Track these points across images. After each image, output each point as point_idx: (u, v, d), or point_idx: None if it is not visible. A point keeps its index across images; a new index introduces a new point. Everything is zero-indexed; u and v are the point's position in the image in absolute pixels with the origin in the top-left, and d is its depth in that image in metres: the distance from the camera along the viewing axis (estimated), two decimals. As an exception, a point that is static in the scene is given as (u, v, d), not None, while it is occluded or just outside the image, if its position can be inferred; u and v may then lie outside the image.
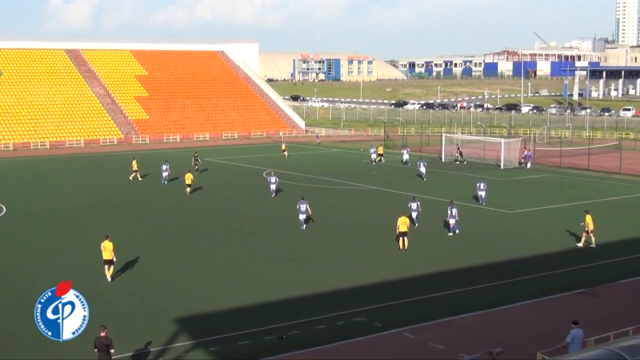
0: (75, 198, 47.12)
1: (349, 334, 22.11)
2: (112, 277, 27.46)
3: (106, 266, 27.50)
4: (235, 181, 54.55)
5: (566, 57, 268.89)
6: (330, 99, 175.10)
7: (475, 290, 26.78)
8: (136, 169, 54.73)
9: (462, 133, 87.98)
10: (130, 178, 54.30)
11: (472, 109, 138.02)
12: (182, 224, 38.38)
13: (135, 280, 27.72)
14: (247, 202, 45.79)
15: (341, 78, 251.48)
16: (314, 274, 28.84)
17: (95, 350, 17.63)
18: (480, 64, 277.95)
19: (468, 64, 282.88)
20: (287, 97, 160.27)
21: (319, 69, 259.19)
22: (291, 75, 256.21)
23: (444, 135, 71.88)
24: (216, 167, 62.56)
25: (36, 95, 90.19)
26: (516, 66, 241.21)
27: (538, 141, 76.98)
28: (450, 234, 35.48)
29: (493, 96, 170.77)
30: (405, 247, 32.11)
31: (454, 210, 35.37)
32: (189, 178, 47.96)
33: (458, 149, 67.86)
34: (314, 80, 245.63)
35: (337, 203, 45.02)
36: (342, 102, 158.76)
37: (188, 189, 47.68)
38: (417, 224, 37.00)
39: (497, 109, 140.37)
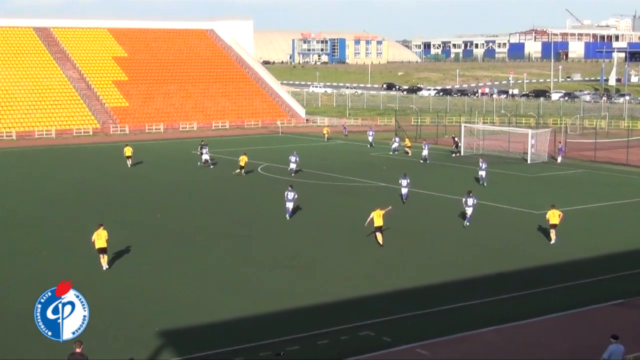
0: (46, 196, 47.21)
1: (354, 350, 22.16)
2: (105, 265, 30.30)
3: (101, 255, 30.22)
4: (227, 177, 54.62)
5: (602, 37, 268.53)
6: (335, 84, 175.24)
7: (497, 301, 26.84)
8: (129, 154, 58.76)
9: (483, 123, 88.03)
10: (129, 165, 58.51)
11: (495, 96, 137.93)
12: (167, 225, 38.46)
13: (114, 290, 27.79)
14: (242, 200, 45.88)
15: (347, 60, 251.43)
16: (315, 283, 28.91)
17: (69, 368, 17.68)
18: (504, 44, 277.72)
19: (491, 44, 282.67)
20: (381, 84, 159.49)
21: (322, 50, 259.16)
22: (290, 57, 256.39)
23: (463, 125, 71.88)
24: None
25: (1, 80, 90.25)
26: (545, 47, 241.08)
27: (570, 132, 76.93)
28: (467, 223, 37.60)
29: (519, 81, 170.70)
30: (381, 243, 33.38)
31: (470, 200, 37.62)
32: (242, 160, 53.86)
33: (454, 139, 67.95)
34: (315, 62, 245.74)
35: (342, 202, 45.13)
36: (347, 88, 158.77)
37: (239, 170, 53.94)
38: (405, 201, 43.28)
39: (523, 95, 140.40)
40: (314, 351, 22.13)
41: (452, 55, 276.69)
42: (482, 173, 49.66)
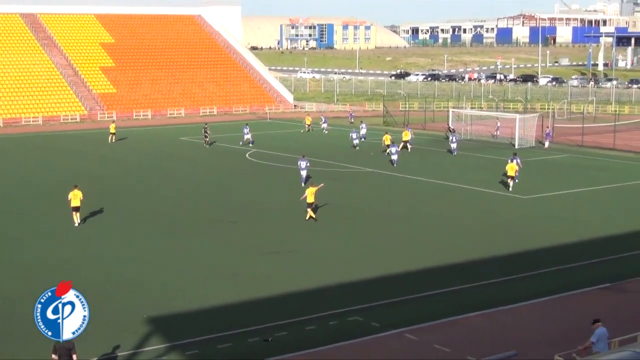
0: (32, 184, 47.01)
1: (342, 335, 22.21)
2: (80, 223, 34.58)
3: (74, 212, 34.21)
4: (215, 163, 54.51)
5: (590, 22, 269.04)
6: (323, 69, 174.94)
7: (484, 286, 26.92)
8: (113, 132, 64.72)
9: (471, 108, 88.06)
10: (109, 142, 64.05)
11: (483, 81, 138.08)
12: (154, 212, 38.35)
13: (101, 276, 27.70)
14: (229, 186, 45.81)
15: (335, 46, 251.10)
16: (303, 268, 28.92)
17: (54, 356, 17.59)
18: (492, 29, 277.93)
19: (479, 29, 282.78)
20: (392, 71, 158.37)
21: (310, 35, 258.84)
22: (278, 43, 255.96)
23: (450, 110, 71.89)
24: (194, 147, 62.50)
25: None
26: (533, 32, 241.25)
27: (557, 117, 77.07)
28: (514, 182, 42.78)
29: (507, 66, 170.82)
30: (314, 217, 35.37)
31: (517, 160, 43.36)
32: (387, 139, 56.03)
33: (448, 125, 67.98)
34: (303, 48, 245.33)
35: (330, 188, 45.04)
36: (335, 73, 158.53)
37: (385, 151, 56.15)
38: (395, 166, 50.24)
39: (511, 80, 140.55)
40: (302, 337, 22.16)
41: (440, 41, 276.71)
42: (454, 145, 56.75)
